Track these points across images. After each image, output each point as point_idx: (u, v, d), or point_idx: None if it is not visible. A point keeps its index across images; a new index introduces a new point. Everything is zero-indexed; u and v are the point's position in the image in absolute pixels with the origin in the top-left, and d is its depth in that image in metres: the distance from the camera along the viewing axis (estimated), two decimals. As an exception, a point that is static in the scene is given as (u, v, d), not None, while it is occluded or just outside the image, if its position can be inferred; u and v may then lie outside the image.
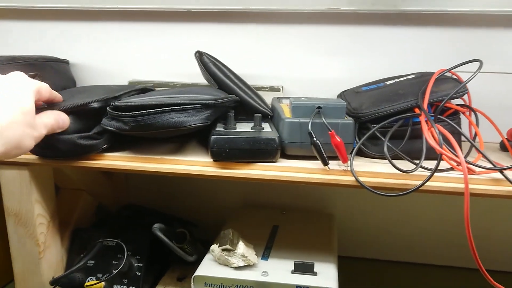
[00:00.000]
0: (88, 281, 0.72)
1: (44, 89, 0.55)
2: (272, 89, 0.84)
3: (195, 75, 0.86)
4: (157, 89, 0.81)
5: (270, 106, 0.75)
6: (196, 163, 0.61)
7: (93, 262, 0.73)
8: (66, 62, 0.89)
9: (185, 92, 0.62)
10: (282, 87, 0.84)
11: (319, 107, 0.60)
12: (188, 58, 0.82)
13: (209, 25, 0.85)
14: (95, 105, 0.60)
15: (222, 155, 0.58)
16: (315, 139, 0.57)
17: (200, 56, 0.73)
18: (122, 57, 0.90)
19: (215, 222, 0.83)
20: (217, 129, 0.62)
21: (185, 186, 0.96)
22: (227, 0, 0.81)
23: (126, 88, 0.71)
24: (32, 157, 0.63)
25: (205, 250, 0.69)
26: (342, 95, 0.77)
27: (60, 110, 0.57)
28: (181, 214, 0.91)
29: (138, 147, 0.65)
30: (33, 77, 0.69)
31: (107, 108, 0.60)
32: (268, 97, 0.80)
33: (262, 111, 0.70)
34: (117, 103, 0.60)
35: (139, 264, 0.73)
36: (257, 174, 0.58)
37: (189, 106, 0.58)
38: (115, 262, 0.73)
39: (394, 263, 0.92)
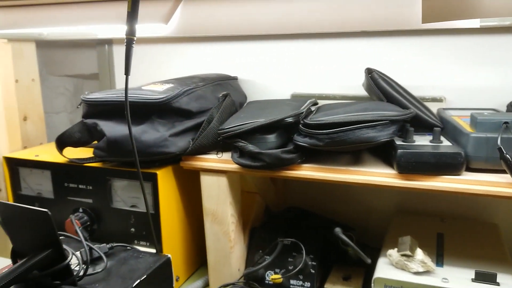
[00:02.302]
0: (268, 275, 0.82)
1: None
2: (434, 99, 0.86)
3: (354, 87, 0.91)
4: (322, 102, 0.88)
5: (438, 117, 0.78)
6: (380, 175, 0.66)
7: (270, 259, 0.82)
8: (235, 78, 1.00)
9: (368, 109, 0.68)
10: (444, 98, 0.86)
11: (506, 122, 0.62)
12: (347, 71, 0.88)
13: (369, 39, 0.90)
14: (290, 120, 0.69)
15: (408, 168, 0.63)
16: (505, 154, 0.59)
17: (370, 73, 0.78)
18: (284, 72, 0.98)
19: (367, 227, 0.87)
20: (397, 142, 0.67)
21: (338, 191, 1.02)
22: (392, 21, 0.85)
23: (303, 103, 0.79)
24: (231, 166, 0.74)
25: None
26: (510, 106, 0.77)
27: (259, 126, 0.67)
28: (335, 217, 0.97)
29: (321, 159, 0.72)
30: (225, 96, 0.80)
31: (300, 125, 0.68)
32: (431, 108, 0.82)
33: (433, 124, 0.73)
34: (308, 121, 0.67)
35: (313, 263, 0.81)
36: (442, 187, 0.62)
37: (378, 122, 0.63)
38: (290, 260, 0.82)
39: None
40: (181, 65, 1.07)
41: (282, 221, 0.94)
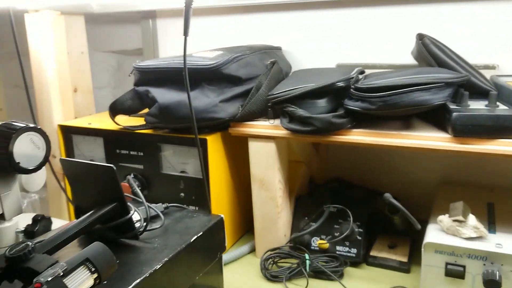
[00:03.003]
0: (314, 241, 0.83)
1: None
2: (486, 67, 0.84)
3: (401, 56, 0.90)
4: (368, 71, 0.87)
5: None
6: (433, 139, 0.66)
7: (318, 225, 0.83)
8: (279, 49, 1.00)
9: (422, 72, 0.67)
10: (497, 65, 0.83)
11: None
12: (394, 39, 0.86)
13: (418, 6, 0.88)
14: (341, 84, 0.68)
15: (464, 131, 0.62)
16: None
17: (421, 38, 0.77)
18: (329, 42, 0.98)
19: (411, 198, 0.86)
20: (451, 106, 0.66)
21: (381, 162, 1.01)
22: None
23: (351, 70, 0.78)
24: (280, 132, 0.75)
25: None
26: None
27: (309, 90, 0.67)
28: (378, 188, 0.97)
29: (370, 125, 0.72)
30: (273, 63, 0.81)
31: (351, 89, 0.68)
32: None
33: (487, 89, 0.71)
34: (359, 84, 0.67)
35: (360, 230, 0.81)
36: (499, 150, 0.61)
37: (433, 85, 0.62)
38: (336, 226, 0.83)
39: None
40: (226, 36, 1.08)
41: (327, 190, 0.95)
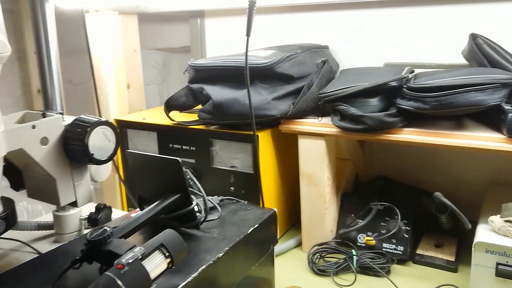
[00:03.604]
0: (360, 238, 0.84)
1: None
2: (541, 68, 0.83)
3: (451, 56, 0.90)
4: (418, 71, 0.88)
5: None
6: (486, 139, 0.66)
7: (366, 221, 0.84)
8: (327, 47, 1.02)
9: (476, 72, 0.67)
10: (553, 66, 0.82)
11: None
12: (443, 39, 0.86)
13: (469, 5, 0.88)
14: (394, 84, 0.70)
15: (520, 132, 0.62)
16: None
17: (474, 38, 0.77)
18: (377, 41, 0.99)
19: (456, 198, 0.86)
20: (506, 107, 0.66)
21: (426, 160, 1.01)
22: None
23: (401, 69, 0.79)
24: (330, 130, 0.77)
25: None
26: None
27: (362, 89, 0.68)
28: (423, 187, 0.97)
29: (422, 124, 0.73)
30: (323, 62, 0.82)
31: (403, 89, 0.69)
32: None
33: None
34: (412, 84, 0.68)
35: (407, 228, 0.82)
36: (557, 151, 0.61)
37: (489, 85, 0.63)
38: (383, 224, 0.84)
39: None
40: (274, 35, 1.10)
41: (372, 188, 0.96)
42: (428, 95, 0.65)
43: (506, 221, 0.68)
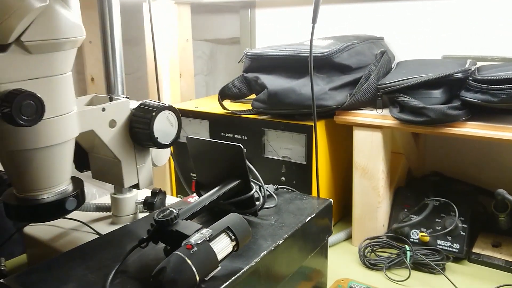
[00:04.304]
0: (414, 233, 0.82)
1: None
2: None
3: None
4: (480, 64, 0.84)
5: None
6: (560, 135, 0.63)
7: (422, 217, 0.82)
8: (382, 39, 0.99)
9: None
10: None
11: None
12: (506, 30, 0.82)
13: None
14: (459, 75, 0.67)
15: None
16: None
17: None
18: (434, 33, 0.95)
19: None
20: None
21: (483, 156, 0.97)
22: None
23: (464, 62, 0.77)
24: (387, 121, 0.75)
25: None
26: None
27: (425, 80, 0.66)
28: (480, 184, 0.94)
29: (486, 118, 0.70)
30: (382, 53, 0.80)
31: (469, 81, 0.67)
32: None
33: None
34: (479, 76, 0.66)
35: (464, 225, 0.80)
36: None
37: None
38: (438, 220, 0.81)
39: None
40: (329, 25, 1.08)
41: (427, 183, 0.93)
42: (497, 88, 0.62)
43: None
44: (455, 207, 0.78)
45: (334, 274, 0.74)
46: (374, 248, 0.82)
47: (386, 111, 0.77)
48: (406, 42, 0.99)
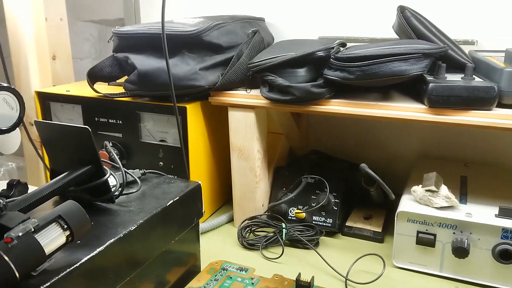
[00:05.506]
0: (291, 211, 0.84)
1: None
2: (466, 42, 0.85)
3: (383, 30, 0.90)
4: (351, 44, 0.87)
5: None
6: (409, 109, 0.66)
7: (294, 194, 0.84)
8: (262, 20, 0.99)
9: (400, 43, 0.67)
10: (476, 41, 0.84)
11: (543, 57, 0.61)
12: (376, 13, 0.86)
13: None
14: (321, 53, 0.68)
15: (439, 102, 0.63)
16: (540, 88, 0.58)
17: (402, 11, 0.77)
18: (312, 15, 0.97)
19: (389, 174, 0.87)
20: (428, 78, 0.67)
21: (361, 134, 1.02)
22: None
23: (332, 42, 0.78)
24: (259, 101, 0.75)
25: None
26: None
27: (289, 59, 0.67)
28: (357, 162, 0.98)
29: (349, 96, 0.72)
30: (254, 32, 0.80)
31: (331, 59, 0.68)
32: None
33: (464, 62, 0.72)
34: (339, 54, 0.67)
35: (336, 200, 0.82)
36: (473, 121, 0.62)
37: (411, 55, 0.63)
38: (314, 197, 0.84)
39: None
40: (209, 6, 1.06)
41: (306, 162, 0.96)
42: (353, 65, 0.64)
43: (426, 190, 0.70)
44: (326, 183, 0.81)
45: (212, 256, 0.73)
46: (253, 229, 0.82)
47: (258, 91, 0.76)
48: (287, 24, 1.00)
